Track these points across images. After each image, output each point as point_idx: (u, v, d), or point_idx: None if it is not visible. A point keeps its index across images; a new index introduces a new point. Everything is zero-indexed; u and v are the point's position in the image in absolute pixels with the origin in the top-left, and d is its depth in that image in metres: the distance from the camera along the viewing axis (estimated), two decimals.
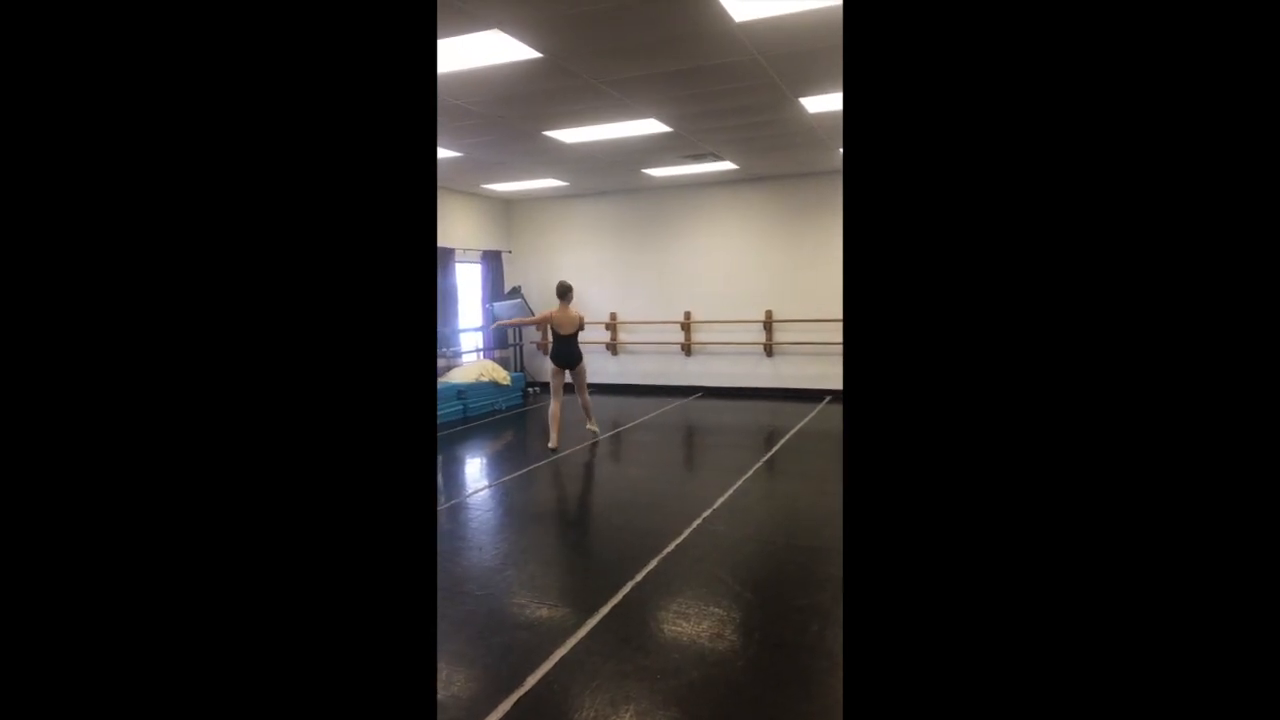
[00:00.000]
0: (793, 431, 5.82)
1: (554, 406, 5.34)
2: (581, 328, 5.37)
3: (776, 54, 3.57)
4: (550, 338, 5.51)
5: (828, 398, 7.33)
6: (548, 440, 5.29)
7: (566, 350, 5.31)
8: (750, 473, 4.55)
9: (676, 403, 7.36)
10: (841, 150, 6.05)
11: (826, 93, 4.26)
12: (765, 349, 7.72)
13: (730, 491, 4.13)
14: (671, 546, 3.27)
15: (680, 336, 8.06)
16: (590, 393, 6.42)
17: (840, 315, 7.31)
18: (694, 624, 2.52)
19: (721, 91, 4.19)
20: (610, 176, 7.13)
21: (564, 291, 5.31)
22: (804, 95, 4.31)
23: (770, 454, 5.11)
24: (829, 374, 7.50)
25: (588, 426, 5.60)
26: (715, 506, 3.85)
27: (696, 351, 8.10)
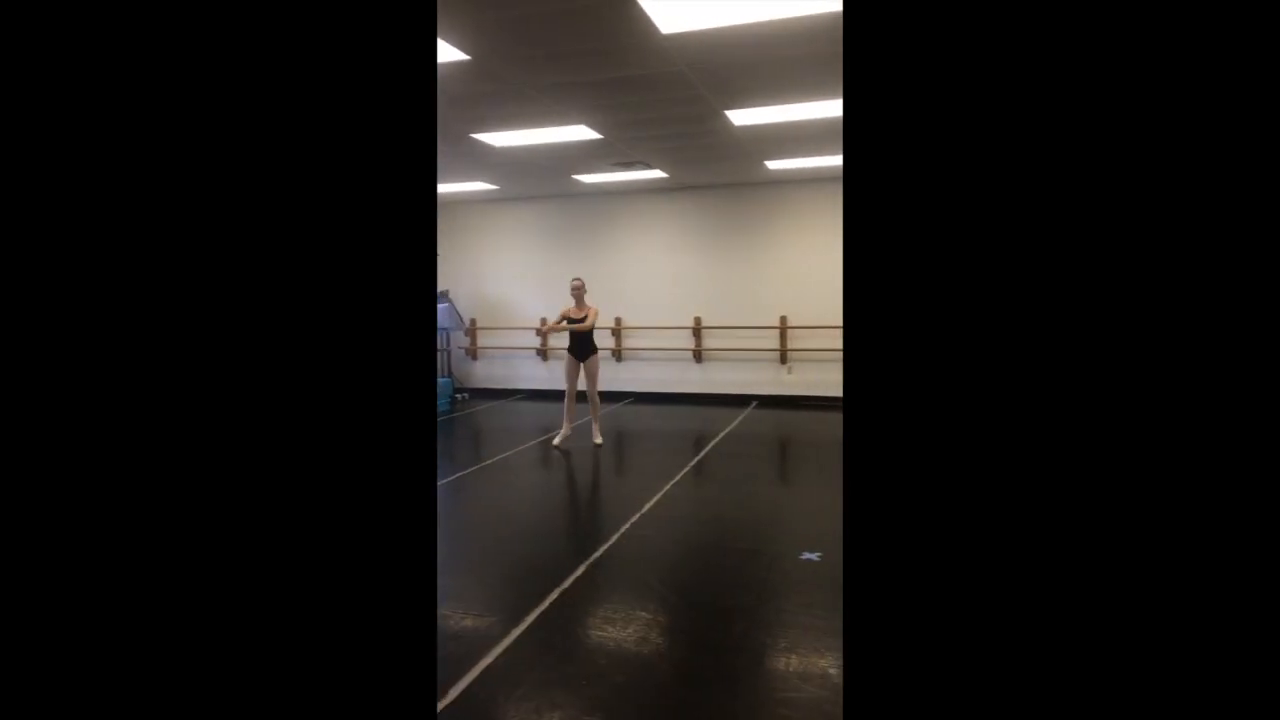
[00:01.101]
0: (720, 436, 5.92)
1: (593, 393, 5.53)
2: (584, 321, 5.39)
3: (703, 66, 3.64)
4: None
5: (754, 402, 7.49)
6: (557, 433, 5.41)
7: (577, 344, 5.44)
8: (678, 477, 4.61)
9: (607, 408, 7.37)
10: (769, 163, 6.22)
11: (752, 106, 4.38)
12: (694, 355, 7.83)
13: (659, 496, 4.16)
14: (599, 552, 3.27)
15: (611, 342, 8.08)
16: (521, 399, 6.31)
17: (767, 322, 7.51)
18: (620, 629, 2.54)
19: (650, 101, 4.24)
20: (541, 181, 7.10)
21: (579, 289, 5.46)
22: (730, 108, 4.41)
23: (698, 458, 5.19)
24: (756, 380, 7.66)
25: (594, 438, 5.62)
26: (644, 511, 3.88)
27: (627, 357, 8.14)
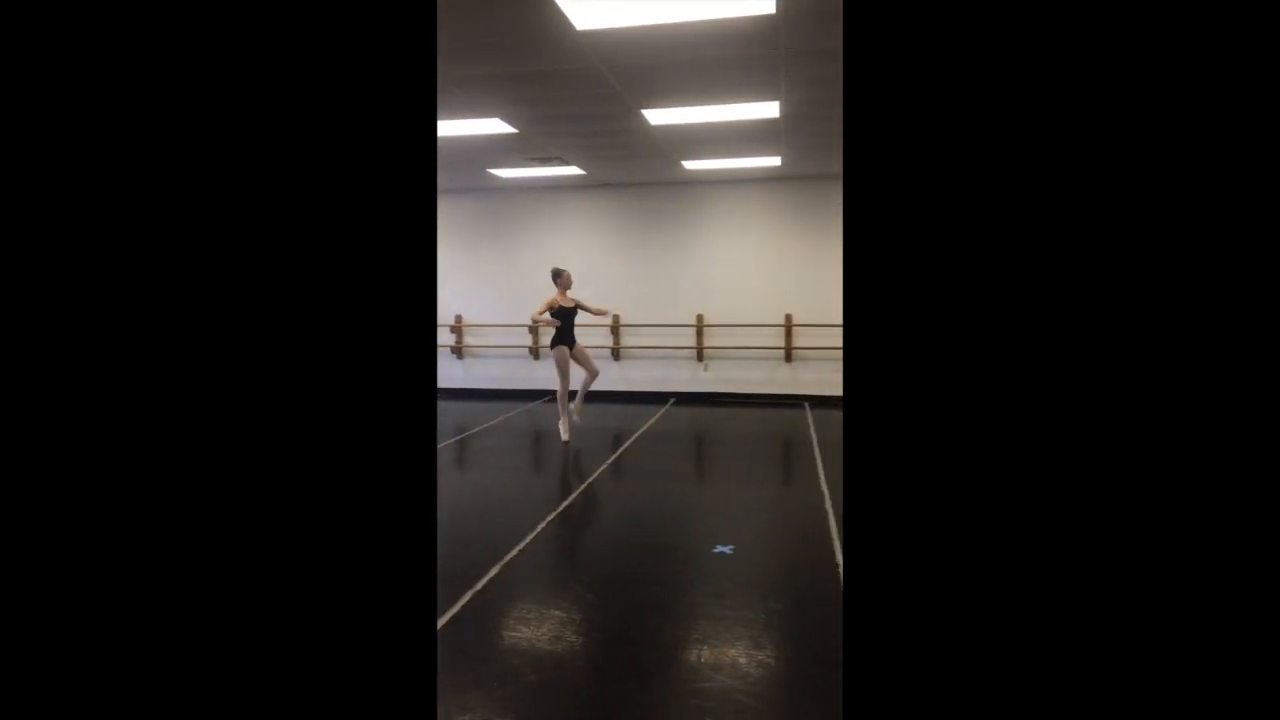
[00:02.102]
0: (638, 433, 5.96)
1: (561, 390, 5.44)
2: (556, 311, 5.37)
3: (619, 64, 3.65)
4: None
5: (672, 400, 7.59)
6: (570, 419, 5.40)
7: (557, 333, 5.39)
8: (596, 475, 4.61)
9: (523, 407, 7.29)
10: (686, 163, 6.30)
11: (669, 106, 4.42)
12: (613, 353, 7.85)
13: (576, 494, 4.15)
14: (514, 551, 3.24)
15: (528, 340, 8.00)
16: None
17: (684, 320, 7.61)
18: (534, 628, 2.52)
19: (565, 97, 4.22)
20: (455, 174, 6.94)
21: (555, 276, 5.42)
22: (646, 107, 4.44)
23: (616, 455, 5.20)
24: (673, 377, 7.76)
25: (568, 420, 5.58)
26: (560, 509, 3.86)
27: (544, 355, 8.07)
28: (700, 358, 7.69)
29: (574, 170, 6.63)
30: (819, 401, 7.30)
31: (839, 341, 7.27)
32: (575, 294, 5.76)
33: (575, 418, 5.66)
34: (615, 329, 7.79)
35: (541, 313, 5.37)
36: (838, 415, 6.70)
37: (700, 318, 7.59)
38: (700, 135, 5.23)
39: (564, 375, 5.47)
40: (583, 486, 4.32)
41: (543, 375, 8.04)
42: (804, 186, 7.22)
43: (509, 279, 7.97)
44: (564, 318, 5.39)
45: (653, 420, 6.53)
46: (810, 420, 6.48)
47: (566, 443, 5.46)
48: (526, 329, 7.95)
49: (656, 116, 4.64)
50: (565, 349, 5.42)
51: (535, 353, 8.03)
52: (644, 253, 7.71)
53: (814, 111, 4.56)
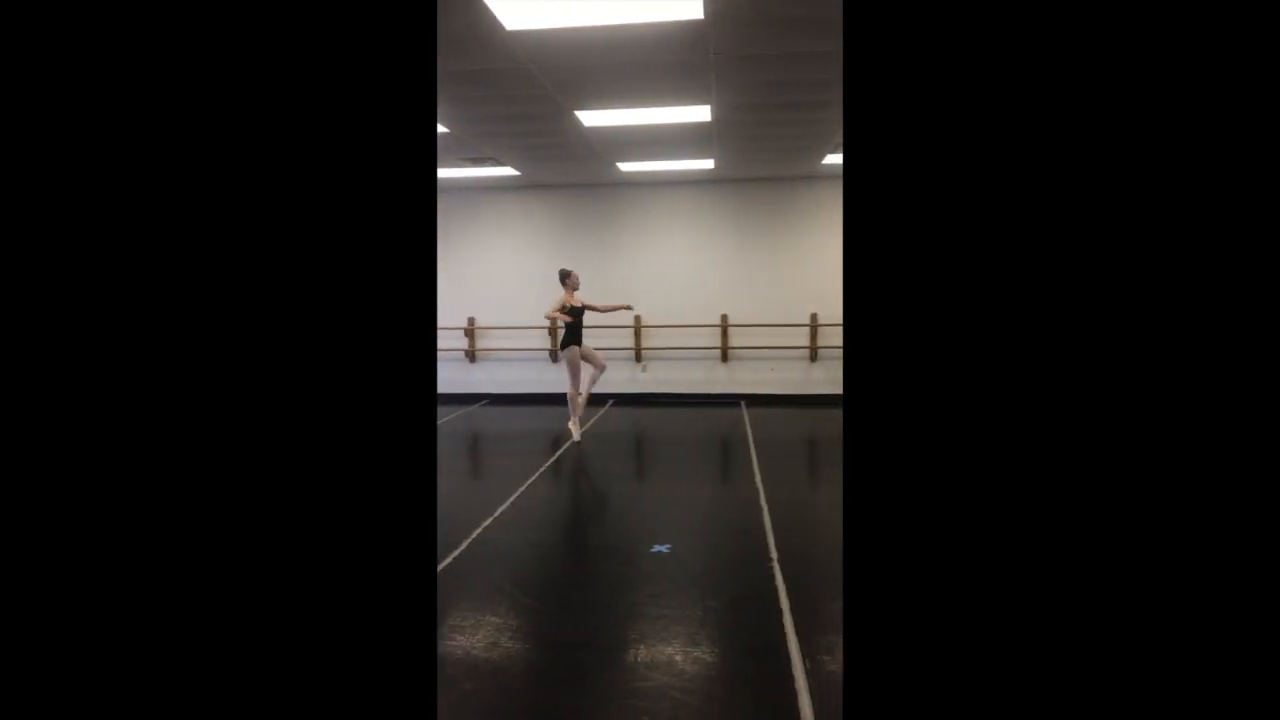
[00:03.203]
0: (577, 435, 5.94)
1: (571, 389, 5.46)
2: (567, 310, 5.36)
3: (550, 65, 3.64)
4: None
5: (610, 401, 7.59)
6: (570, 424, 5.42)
7: (567, 333, 5.39)
8: (534, 478, 4.57)
9: (460, 410, 7.17)
10: (620, 165, 6.32)
11: (601, 108, 4.43)
12: (550, 355, 7.80)
13: (513, 498, 4.11)
14: (449, 559, 3.18)
15: (464, 343, 7.87)
16: None
17: (621, 321, 7.62)
18: (469, 636, 2.48)
19: (497, 97, 4.18)
20: None
21: (563, 277, 5.40)
22: (579, 108, 4.43)
23: (555, 458, 5.17)
24: (612, 378, 7.74)
25: (569, 424, 5.54)
26: (496, 514, 3.82)
27: (481, 358, 7.97)
28: (638, 358, 7.72)
29: (509, 171, 6.56)
30: (754, 400, 7.43)
31: (773, 341, 7.42)
32: (549, 294, 5.73)
33: (578, 420, 5.68)
34: (553, 330, 7.75)
35: (556, 310, 5.37)
36: (773, 413, 6.83)
37: (638, 319, 7.62)
38: (633, 137, 5.25)
39: (575, 375, 5.51)
40: (520, 490, 4.27)
41: (480, 379, 7.93)
42: (737, 189, 7.34)
43: (443, 281, 7.81)
44: (575, 316, 5.42)
45: (592, 422, 6.52)
46: (746, 419, 6.59)
47: (579, 443, 5.50)
48: (463, 332, 7.82)
49: (590, 118, 4.64)
50: (576, 349, 5.47)
51: (472, 356, 7.91)
52: (580, 254, 7.68)
53: (745, 116, 4.64)
